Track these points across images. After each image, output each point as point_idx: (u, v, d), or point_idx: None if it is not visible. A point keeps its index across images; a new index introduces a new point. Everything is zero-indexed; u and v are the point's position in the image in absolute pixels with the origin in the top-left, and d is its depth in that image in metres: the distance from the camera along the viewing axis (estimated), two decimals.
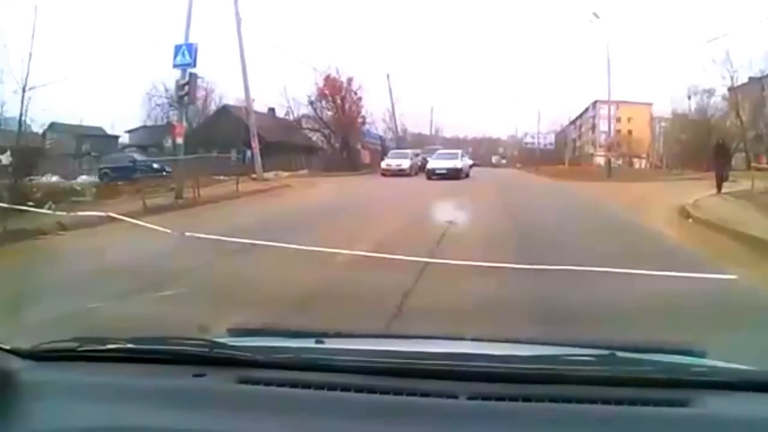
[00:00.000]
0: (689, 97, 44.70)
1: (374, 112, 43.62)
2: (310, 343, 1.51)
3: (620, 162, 57.03)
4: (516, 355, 1.38)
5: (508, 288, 4.97)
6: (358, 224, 9.55)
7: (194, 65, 15.87)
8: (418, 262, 5.79)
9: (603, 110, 59.11)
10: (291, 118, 40.17)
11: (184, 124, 17.37)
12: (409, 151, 34.50)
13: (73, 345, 1.47)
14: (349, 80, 38.52)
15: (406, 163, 29.81)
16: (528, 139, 67.75)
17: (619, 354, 1.36)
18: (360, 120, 40.12)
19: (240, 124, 33.24)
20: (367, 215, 10.90)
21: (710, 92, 42.78)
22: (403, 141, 46.81)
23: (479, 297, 4.44)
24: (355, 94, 38.90)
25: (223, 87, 43.30)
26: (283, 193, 18.05)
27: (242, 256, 6.59)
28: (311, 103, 39.26)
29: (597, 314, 3.98)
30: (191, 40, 16.13)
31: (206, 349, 1.41)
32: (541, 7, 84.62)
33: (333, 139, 39.61)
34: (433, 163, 27.23)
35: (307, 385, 1.25)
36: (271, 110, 39.26)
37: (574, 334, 3.19)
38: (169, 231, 8.32)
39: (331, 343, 1.52)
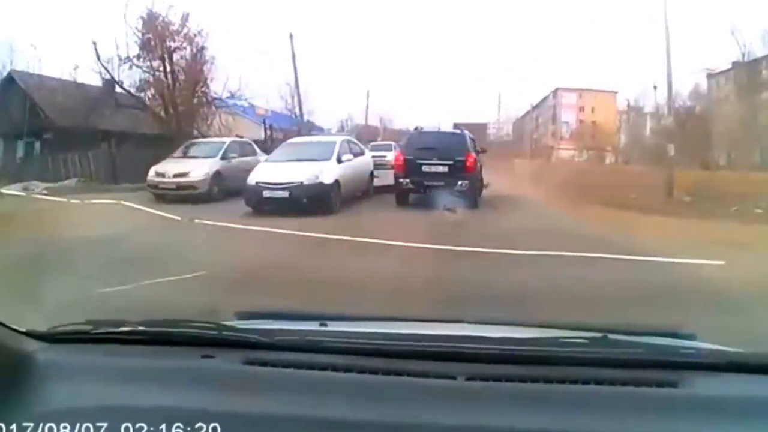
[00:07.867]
0: (655, 87, 39.39)
1: (274, 91, 28.05)
2: (314, 326, 1.53)
3: (585, 156, 52.12)
4: (512, 338, 1.42)
5: None
6: None
7: None
8: None
9: (565, 99, 54.08)
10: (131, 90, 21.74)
11: None
12: (225, 139, 16.70)
13: (86, 327, 1.48)
14: (184, 19, 20.67)
15: (197, 171, 13.74)
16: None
17: (611, 336, 1.38)
18: (201, 87, 21.67)
19: (28, 100, 21.02)
20: None
21: (711, 73, 37.35)
22: (309, 128, 28.19)
23: None
24: (194, 41, 21.00)
25: (30, 54, 26.69)
26: None
27: None
28: (127, 59, 20.52)
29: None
30: None
31: (215, 332, 1.44)
32: None
33: (158, 121, 21.18)
34: (258, 173, 11.93)
35: (311, 366, 1.27)
36: (109, 82, 21.83)
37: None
38: None
39: (334, 326, 1.55)
